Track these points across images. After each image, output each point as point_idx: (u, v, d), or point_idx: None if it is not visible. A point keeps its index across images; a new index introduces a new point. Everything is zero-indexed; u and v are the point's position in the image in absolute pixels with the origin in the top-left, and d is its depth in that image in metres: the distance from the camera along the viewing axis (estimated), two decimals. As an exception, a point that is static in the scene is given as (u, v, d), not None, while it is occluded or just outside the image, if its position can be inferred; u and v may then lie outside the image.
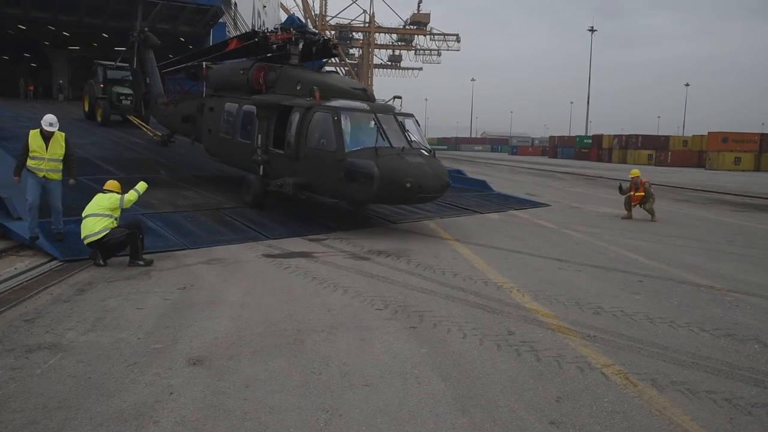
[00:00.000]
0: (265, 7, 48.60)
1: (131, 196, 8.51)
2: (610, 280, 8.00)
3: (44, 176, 8.65)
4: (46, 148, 8.69)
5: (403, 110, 11.92)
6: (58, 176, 8.84)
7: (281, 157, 11.61)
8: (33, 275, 7.48)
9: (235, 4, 33.01)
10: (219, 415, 3.90)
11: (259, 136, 12.07)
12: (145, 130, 19.98)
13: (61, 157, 8.86)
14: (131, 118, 21.48)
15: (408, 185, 9.93)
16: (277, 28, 13.08)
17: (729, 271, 8.84)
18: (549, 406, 4.14)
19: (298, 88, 12.05)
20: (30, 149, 8.62)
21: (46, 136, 8.72)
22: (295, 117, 11.20)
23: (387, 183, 9.95)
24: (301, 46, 12.89)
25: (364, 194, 10.37)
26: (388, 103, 12.27)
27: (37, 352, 4.91)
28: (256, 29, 13.08)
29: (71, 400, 4.05)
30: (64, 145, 8.91)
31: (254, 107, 12.27)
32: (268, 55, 13.20)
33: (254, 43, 13.03)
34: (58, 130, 8.89)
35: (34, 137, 8.70)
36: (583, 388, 4.46)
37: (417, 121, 12.02)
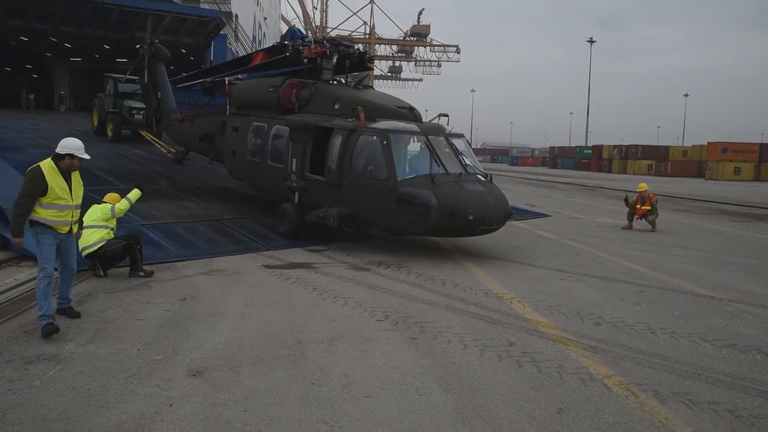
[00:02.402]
0: (266, 19, 49.04)
1: (122, 204, 8.40)
2: (610, 291, 7.99)
3: (69, 231, 5.98)
4: (70, 191, 5.90)
5: (454, 130, 10.86)
6: (76, 228, 6.20)
7: (320, 184, 10.65)
8: (33, 286, 7.43)
9: (236, 15, 33.27)
10: (219, 427, 3.88)
11: (294, 160, 11.14)
12: (159, 146, 19.30)
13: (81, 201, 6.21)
14: (143, 133, 20.54)
15: (470, 217, 9.12)
16: (310, 41, 12.19)
17: (730, 281, 8.83)
18: (550, 418, 4.12)
19: (337, 107, 11.12)
20: (49, 194, 5.69)
21: (67, 171, 5.88)
22: (337, 140, 10.28)
23: (447, 215, 9.17)
24: (335, 59, 12.00)
25: (421, 227, 9.53)
26: (435, 122, 11.25)
27: (36, 364, 4.89)
28: (285, 42, 12.07)
29: (70, 411, 4.03)
30: (82, 182, 6.23)
31: (287, 128, 11.38)
32: (296, 69, 12.36)
33: (284, 57, 11.95)
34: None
35: (52, 175, 5.71)
36: (584, 399, 4.44)
37: (468, 141, 11.19)
